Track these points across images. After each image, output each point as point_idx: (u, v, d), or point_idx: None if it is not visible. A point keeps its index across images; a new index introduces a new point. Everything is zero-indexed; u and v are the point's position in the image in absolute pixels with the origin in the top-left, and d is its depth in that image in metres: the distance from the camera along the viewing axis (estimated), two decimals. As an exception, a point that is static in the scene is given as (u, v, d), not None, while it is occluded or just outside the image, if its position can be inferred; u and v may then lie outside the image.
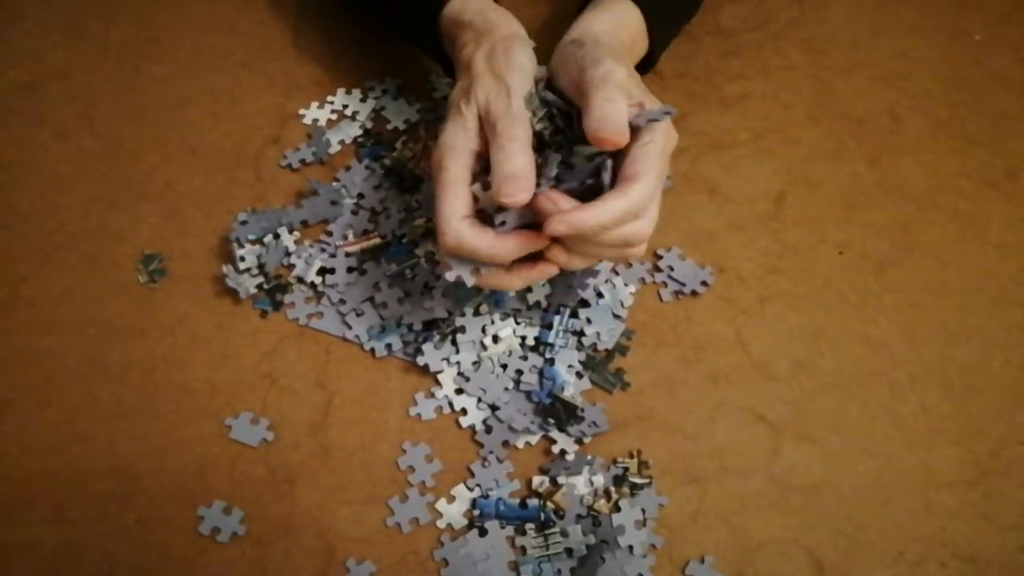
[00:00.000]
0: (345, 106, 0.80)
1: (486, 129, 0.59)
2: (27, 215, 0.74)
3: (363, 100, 0.80)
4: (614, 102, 0.56)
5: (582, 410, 0.64)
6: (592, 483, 0.63)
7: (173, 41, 0.84)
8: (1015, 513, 0.63)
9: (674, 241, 0.73)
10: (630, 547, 0.60)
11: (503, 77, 0.60)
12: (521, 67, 0.61)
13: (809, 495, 0.63)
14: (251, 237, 0.71)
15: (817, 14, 0.87)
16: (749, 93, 0.82)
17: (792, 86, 0.82)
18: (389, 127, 0.79)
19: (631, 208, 0.56)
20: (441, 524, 0.62)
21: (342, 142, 0.78)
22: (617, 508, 0.61)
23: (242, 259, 0.70)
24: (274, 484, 0.63)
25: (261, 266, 0.70)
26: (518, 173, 0.56)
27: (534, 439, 0.65)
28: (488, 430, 0.64)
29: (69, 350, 0.68)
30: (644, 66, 0.72)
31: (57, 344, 0.69)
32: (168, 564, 0.61)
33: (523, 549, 0.60)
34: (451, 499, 0.63)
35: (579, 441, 0.64)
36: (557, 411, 0.64)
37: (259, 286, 0.70)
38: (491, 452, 0.64)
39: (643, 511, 0.62)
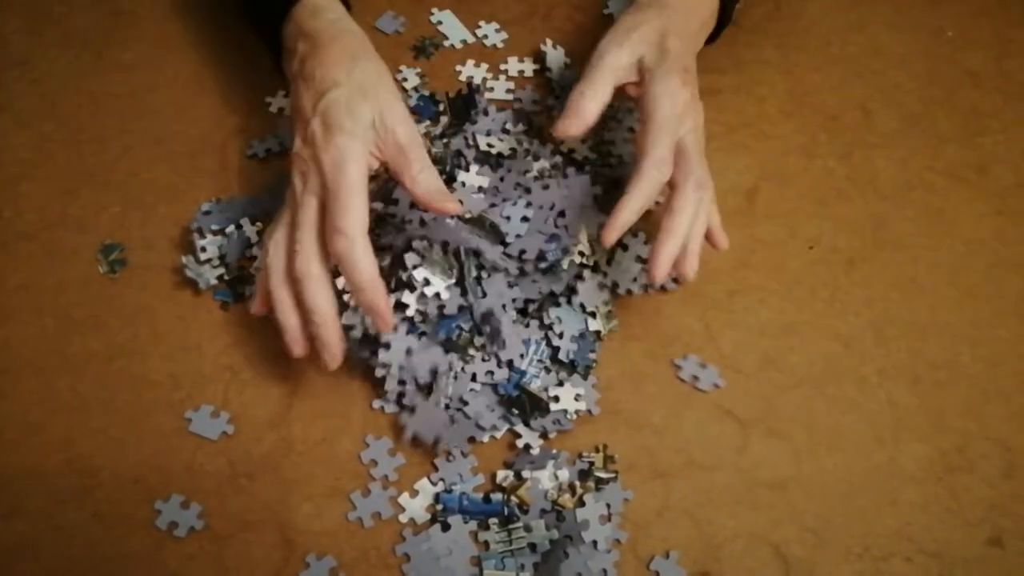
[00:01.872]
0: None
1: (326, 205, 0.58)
2: (-15, 203, 0.73)
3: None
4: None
5: (546, 403, 0.63)
6: (557, 478, 0.62)
7: (138, 27, 0.82)
8: (981, 508, 0.63)
9: (645, 234, 0.72)
10: (594, 542, 0.59)
11: (335, 167, 0.57)
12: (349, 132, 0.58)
13: (776, 490, 0.63)
14: (214, 227, 0.70)
15: (791, 9, 0.87)
16: (722, 87, 0.81)
17: (765, 81, 0.82)
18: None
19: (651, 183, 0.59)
20: (403, 519, 0.61)
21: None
22: (582, 503, 0.61)
23: (203, 250, 0.69)
24: (234, 478, 0.62)
25: (222, 257, 0.69)
26: (362, 286, 0.57)
27: (499, 433, 0.64)
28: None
29: (26, 341, 0.67)
30: (720, 26, 0.72)
31: (13, 335, 0.67)
32: (125, 559, 0.60)
33: (486, 544, 0.60)
34: (414, 493, 0.62)
35: (544, 436, 0.63)
36: (522, 403, 0.63)
37: (220, 277, 0.69)
38: (455, 447, 0.63)
39: (608, 506, 0.61)
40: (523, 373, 0.64)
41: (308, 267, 0.57)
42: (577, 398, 0.63)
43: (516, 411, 0.63)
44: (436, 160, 0.68)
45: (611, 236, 0.59)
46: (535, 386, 0.64)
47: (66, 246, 0.71)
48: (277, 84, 0.79)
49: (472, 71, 0.81)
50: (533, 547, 0.60)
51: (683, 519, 0.62)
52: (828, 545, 0.61)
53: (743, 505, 0.63)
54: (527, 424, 0.63)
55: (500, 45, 0.83)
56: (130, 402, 0.65)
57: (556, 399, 0.63)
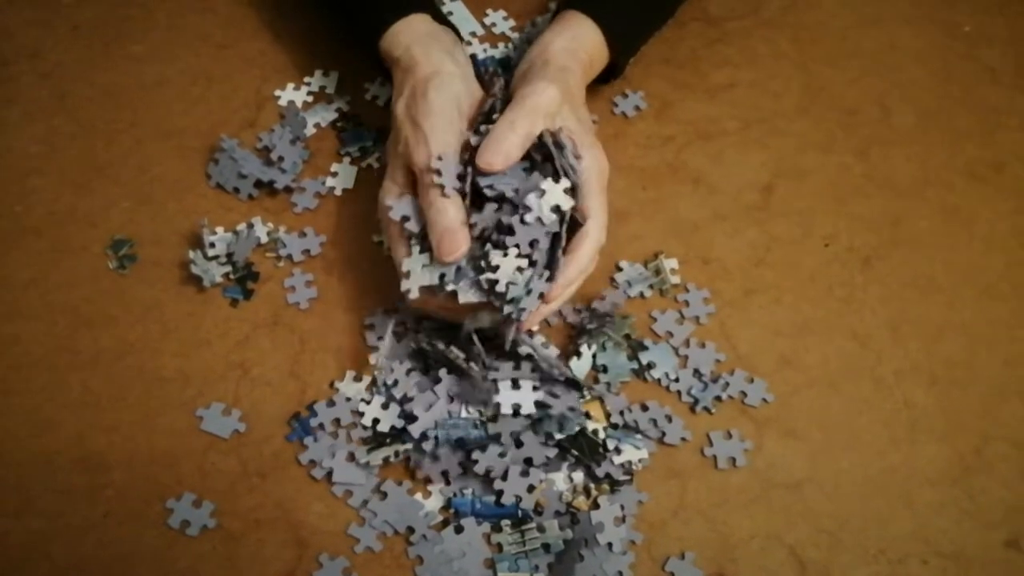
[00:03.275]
0: (322, 88, 0.78)
1: (415, 179, 0.61)
2: (-6, 197, 0.72)
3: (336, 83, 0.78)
4: (514, 128, 0.59)
5: (605, 448, 0.62)
6: (571, 479, 0.61)
7: (148, 20, 0.81)
8: (997, 510, 0.62)
9: (658, 231, 0.72)
10: (609, 544, 0.59)
11: (420, 125, 0.61)
12: (439, 111, 0.62)
13: (791, 491, 0.63)
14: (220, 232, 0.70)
15: (807, 3, 0.86)
16: (737, 82, 0.80)
17: (781, 75, 0.81)
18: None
19: (586, 265, 0.61)
20: (421, 515, 0.60)
21: (317, 125, 0.76)
22: (596, 505, 0.60)
23: (212, 245, 0.68)
24: (246, 476, 0.62)
25: (230, 255, 0.68)
26: (450, 227, 0.58)
27: (558, 476, 0.62)
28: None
29: (36, 337, 0.67)
30: (607, 76, 0.73)
31: (24, 331, 0.67)
32: (137, 558, 0.60)
33: (499, 546, 0.59)
34: (427, 495, 0.61)
35: (613, 483, 0.62)
36: (580, 445, 0.62)
37: (226, 275, 0.68)
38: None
39: (622, 507, 0.60)
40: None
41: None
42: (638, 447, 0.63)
43: (576, 453, 0.62)
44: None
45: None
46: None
47: (76, 241, 0.70)
48: (286, 78, 0.78)
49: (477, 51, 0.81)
50: (547, 548, 0.59)
51: (698, 520, 0.61)
52: (844, 546, 0.61)
53: (758, 505, 0.62)
54: (589, 467, 0.62)
55: (509, 33, 0.82)
56: (141, 399, 0.64)
57: (618, 451, 0.63)
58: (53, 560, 0.59)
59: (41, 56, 0.79)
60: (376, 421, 0.62)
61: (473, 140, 0.60)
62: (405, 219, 0.61)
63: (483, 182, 0.59)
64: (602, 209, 0.62)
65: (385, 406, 0.63)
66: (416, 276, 0.60)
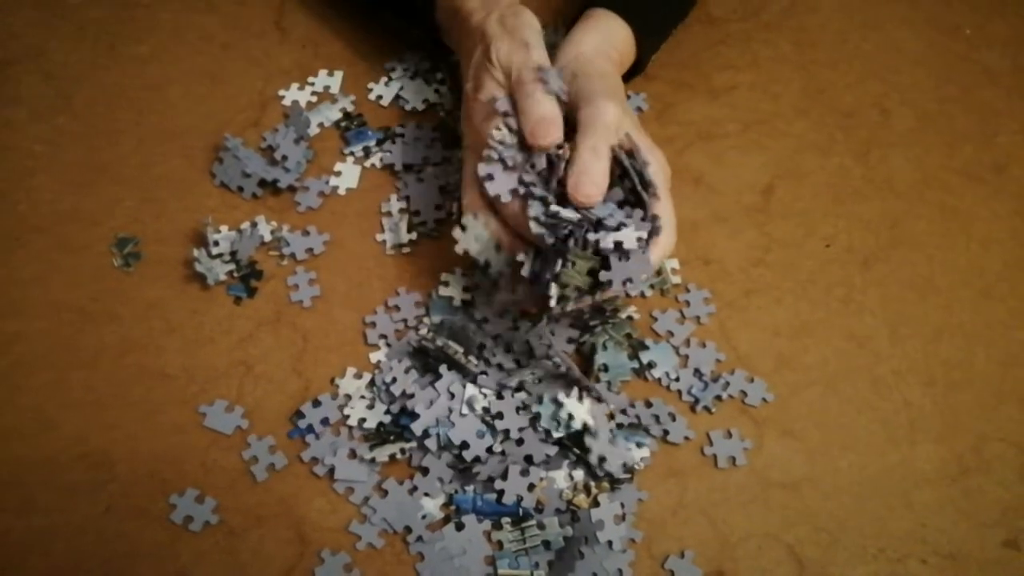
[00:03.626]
0: (326, 87, 0.78)
1: (510, 87, 0.62)
2: (-1, 196, 0.73)
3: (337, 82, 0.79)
4: (599, 154, 0.58)
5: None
6: (572, 477, 0.62)
7: (152, 20, 0.82)
8: (995, 510, 0.62)
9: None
10: (609, 542, 0.59)
11: (518, 33, 0.63)
12: (533, 26, 0.64)
13: (790, 490, 0.63)
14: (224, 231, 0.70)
15: (807, 5, 0.86)
16: (738, 84, 0.81)
17: (781, 78, 0.81)
18: (407, 108, 0.77)
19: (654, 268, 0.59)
20: (419, 516, 0.61)
21: (321, 125, 0.76)
22: (596, 503, 0.61)
23: (216, 244, 0.68)
24: (248, 473, 0.62)
25: (233, 253, 0.69)
26: (547, 116, 0.59)
27: (559, 474, 0.62)
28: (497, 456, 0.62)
29: (40, 335, 0.67)
30: (632, 73, 0.73)
31: (28, 328, 0.67)
32: (139, 554, 0.60)
33: (499, 543, 0.60)
34: (429, 495, 0.61)
35: (613, 481, 0.62)
36: (582, 443, 0.62)
37: (229, 273, 0.69)
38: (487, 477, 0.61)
39: (623, 506, 0.61)
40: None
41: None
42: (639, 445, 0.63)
43: (577, 451, 0.62)
44: None
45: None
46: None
47: (80, 240, 0.71)
48: (290, 77, 0.79)
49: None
50: (547, 545, 0.60)
51: (698, 518, 0.62)
52: (842, 546, 0.61)
53: (757, 504, 0.62)
54: (589, 464, 0.62)
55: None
56: (144, 396, 0.65)
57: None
58: (55, 557, 0.60)
59: (46, 56, 0.79)
60: (363, 420, 0.63)
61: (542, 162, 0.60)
62: (507, 115, 0.61)
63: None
64: (670, 212, 0.60)
65: (371, 406, 0.63)
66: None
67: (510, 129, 0.60)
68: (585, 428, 0.62)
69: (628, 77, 0.73)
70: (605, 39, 0.68)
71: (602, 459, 0.61)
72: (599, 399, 0.63)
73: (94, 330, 0.67)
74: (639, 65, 0.73)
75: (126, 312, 0.68)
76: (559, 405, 0.62)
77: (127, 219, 0.72)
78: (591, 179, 0.57)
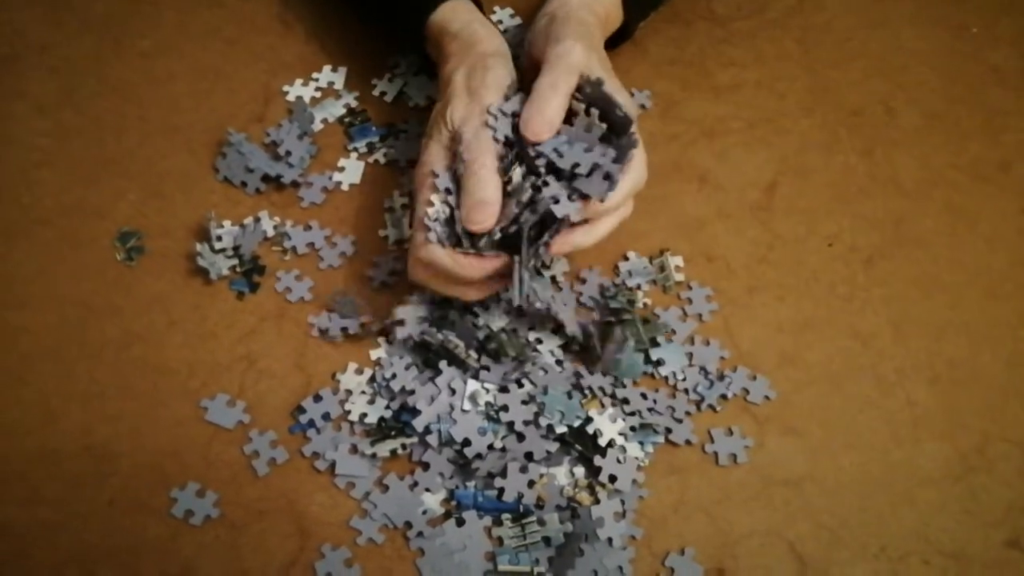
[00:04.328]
0: (330, 83, 0.78)
1: (456, 151, 0.61)
2: (3, 189, 0.73)
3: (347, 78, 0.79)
4: (557, 91, 0.59)
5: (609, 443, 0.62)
6: (572, 474, 0.62)
7: (156, 15, 0.82)
8: (999, 509, 0.62)
9: (662, 228, 0.72)
10: (610, 539, 0.59)
11: (478, 95, 0.62)
12: (498, 86, 0.62)
13: (792, 488, 0.63)
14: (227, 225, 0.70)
15: (813, 3, 0.86)
16: (742, 81, 0.81)
17: (786, 75, 0.81)
18: (411, 104, 0.77)
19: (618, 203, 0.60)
20: (419, 512, 0.61)
21: (325, 120, 0.76)
22: (597, 500, 0.60)
23: (219, 239, 0.68)
24: (250, 467, 0.62)
25: (236, 248, 0.69)
26: (487, 200, 0.58)
27: (559, 470, 0.62)
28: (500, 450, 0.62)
29: (44, 328, 0.67)
30: (618, 38, 0.73)
31: (32, 321, 0.67)
32: (141, 547, 0.60)
33: (500, 540, 0.60)
34: (429, 491, 0.61)
35: (612, 479, 0.62)
36: (584, 439, 0.62)
37: (232, 268, 0.69)
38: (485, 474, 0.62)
39: (623, 502, 0.61)
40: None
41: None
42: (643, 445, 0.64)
43: (579, 448, 0.62)
44: None
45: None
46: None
47: (83, 233, 0.71)
48: (294, 73, 0.79)
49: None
50: (547, 541, 0.59)
51: (698, 515, 0.62)
52: (844, 544, 0.61)
53: (759, 502, 0.62)
54: (589, 461, 0.62)
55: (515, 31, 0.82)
56: (147, 390, 0.65)
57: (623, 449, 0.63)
58: (58, 548, 0.60)
59: (50, 50, 0.80)
60: (364, 415, 0.63)
61: (505, 107, 0.61)
62: (448, 191, 0.61)
63: (531, 151, 0.59)
64: (641, 147, 0.61)
65: (371, 401, 0.63)
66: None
67: (446, 203, 0.60)
68: (599, 442, 0.62)
69: (616, 43, 0.74)
70: None
71: (613, 478, 0.61)
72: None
73: (97, 324, 0.67)
74: (626, 30, 0.73)
75: (129, 306, 0.68)
76: (588, 421, 0.62)
77: (131, 213, 0.72)
78: (543, 117, 0.58)
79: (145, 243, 0.70)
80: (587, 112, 0.60)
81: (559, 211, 0.57)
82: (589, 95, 0.60)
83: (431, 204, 0.60)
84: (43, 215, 0.72)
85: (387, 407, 0.63)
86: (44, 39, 0.80)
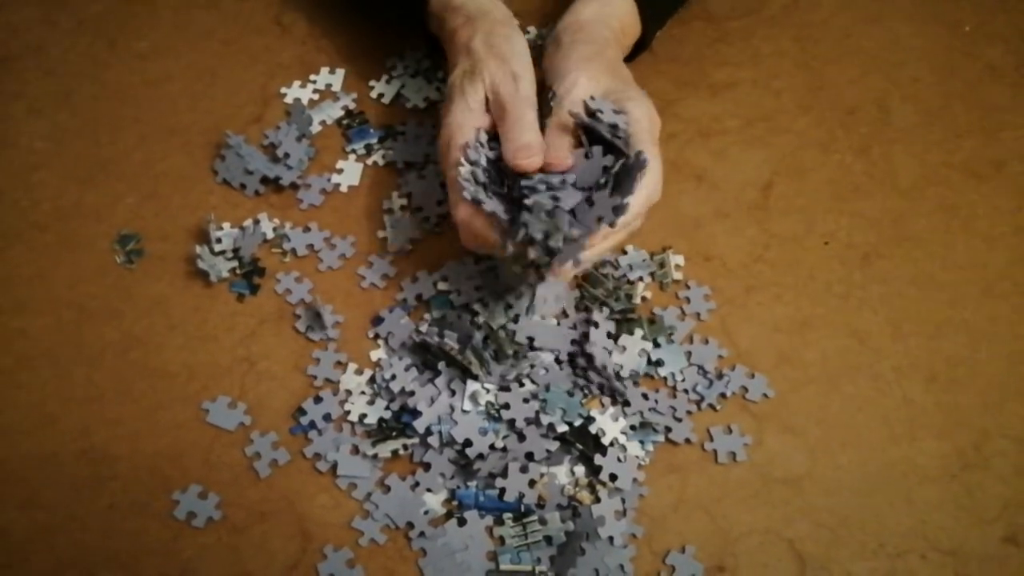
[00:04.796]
0: (328, 85, 0.78)
1: (494, 111, 0.62)
2: (0, 192, 0.72)
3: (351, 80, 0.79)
4: (564, 130, 0.61)
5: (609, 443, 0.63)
6: (573, 473, 0.62)
7: (153, 16, 0.82)
8: (996, 506, 0.63)
9: (660, 227, 0.72)
10: (610, 538, 0.59)
11: (508, 62, 0.63)
12: (523, 54, 0.64)
13: (791, 486, 0.63)
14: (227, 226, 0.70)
15: (809, 1, 0.86)
16: (739, 80, 0.81)
17: (782, 74, 0.81)
18: (408, 105, 0.77)
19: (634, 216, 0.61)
20: (421, 512, 0.61)
21: (323, 123, 0.76)
22: (598, 499, 0.61)
23: (218, 241, 0.68)
24: (251, 469, 0.62)
25: (236, 250, 0.69)
26: (531, 143, 0.60)
27: (560, 469, 0.62)
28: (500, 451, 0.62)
29: (42, 331, 0.67)
30: (636, 50, 0.73)
31: (30, 325, 0.67)
32: (142, 550, 0.60)
33: (501, 539, 0.60)
34: (431, 491, 0.62)
35: (612, 478, 0.62)
36: (585, 438, 0.62)
37: (232, 270, 0.69)
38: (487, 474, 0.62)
39: (623, 501, 0.61)
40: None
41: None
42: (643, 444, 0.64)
43: (580, 447, 0.62)
44: None
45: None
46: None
47: (82, 236, 0.71)
48: (292, 74, 0.79)
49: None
50: (549, 540, 0.60)
51: (698, 513, 0.62)
52: (843, 542, 0.61)
53: (758, 500, 0.63)
54: (590, 460, 0.62)
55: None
56: (146, 393, 0.65)
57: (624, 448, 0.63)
58: (58, 552, 0.60)
59: (46, 52, 0.79)
60: (363, 416, 0.63)
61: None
62: (482, 145, 0.62)
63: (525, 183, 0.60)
64: (656, 159, 0.61)
65: (371, 402, 0.63)
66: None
67: (471, 162, 0.61)
68: (599, 441, 0.62)
69: (633, 55, 0.73)
70: (605, 7, 0.68)
71: (613, 477, 0.61)
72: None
73: (96, 327, 0.67)
74: (644, 41, 0.73)
75: (128, 309, 0.68)
76: (590, 420, 0.63)
77: (129, 216, 0.72)
78: (554, 158, 0.60)
79: (144, 246, 0.70)
80: (589, 144, 0.60)
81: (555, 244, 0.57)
82: (587, 126, 0.61)
83: (462, 164, 0.61)
84: (41, 218, 0.71)
85: (387, 407, 0.63)
86: (40, 40, 0.80)
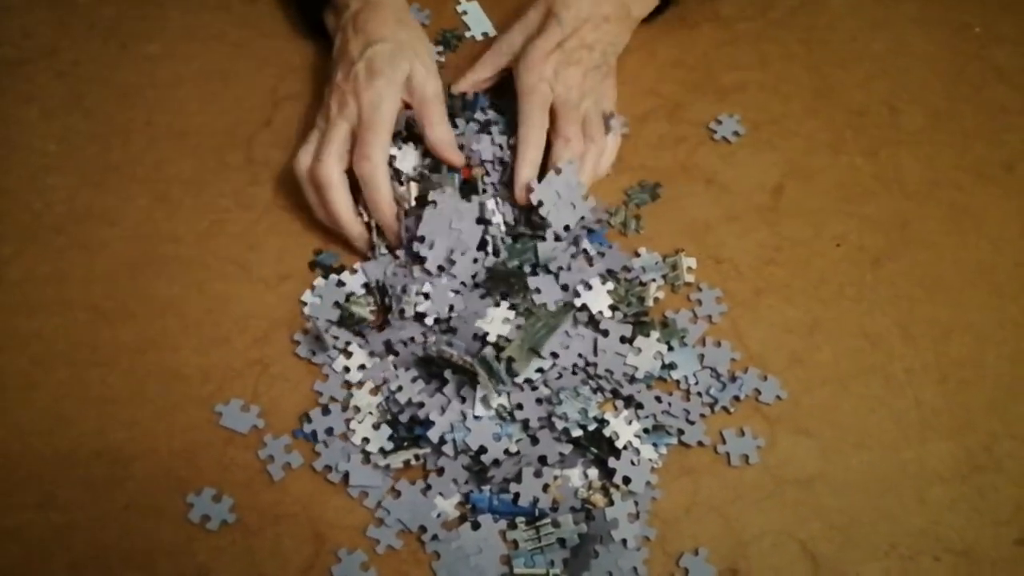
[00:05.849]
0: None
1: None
2: (13, 195, 0.73)
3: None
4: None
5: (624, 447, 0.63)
6: (586, 476, 0.62)
7: (163, 19, 0.82)
8: (1008, 507, 0.63)
9: (671, 231, 0.73)
10: (624, 540, 0.60)
11: (375, 76, 0.68)
12: (389, 92, 0.69)
13: (803, 488, 0.63)
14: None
15: (817, 4, 0.86)
16: (747, 83, 0.81)
17: (791, 77, 0.82)
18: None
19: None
20: (433, 516, 0.61)
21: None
22: (611, 501, 0.61)
23: (335, 338, 0.66)
24: (264, 472, 0.63)
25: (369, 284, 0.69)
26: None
27: (573, 472, 0.62)
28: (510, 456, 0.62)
29: (57, 333, 0.67)
30: (663, 4, 0.77)
31: (44, 327, 0.67)
32: (157, 551, 0.60)
33: (515, 543, 0.60)
34: (442, 495, 0.62)
35: (626, 480, 0.62)
36: (599, 441, 0.62)
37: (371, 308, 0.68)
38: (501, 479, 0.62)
39: (636, 504, 0.61)
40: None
41: (330, 175, 0.67)
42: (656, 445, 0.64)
43: (595, 450, 0.62)
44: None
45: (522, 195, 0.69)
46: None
47: (94, 238, 0.71)
48: (301, 76, 0.79)
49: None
50: (562, 543, 0.60)
51: (711, 516, 0.62)
52: (855, 543, 0.62)
53: (771, 502, 0.63)
54: (603, 463, 0.62)
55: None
56: (161, 394, 0.65)
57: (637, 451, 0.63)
58: (74, 552, 0.60)
59: (58, 55, 0.80)
60: (366, 440, 0.63)
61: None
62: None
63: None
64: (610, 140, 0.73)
65: (376, 426, 0.63)
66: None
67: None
68: (613, 444, 0.62)
69: (661, 9, 0.77)
70: None
71: (627, 479, 0.61)
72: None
73: (110, 328, 0.67)
74: None
75: (142, 311, 0.68)
76: (603, 423, 0.63)
77: (140, 219, 0.72)
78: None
79: (156, 248, 0.70)
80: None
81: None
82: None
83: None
84: (54, 221, 0.72)
85: (390, 437, 0.63)
86: (51, 44, 0.80)
